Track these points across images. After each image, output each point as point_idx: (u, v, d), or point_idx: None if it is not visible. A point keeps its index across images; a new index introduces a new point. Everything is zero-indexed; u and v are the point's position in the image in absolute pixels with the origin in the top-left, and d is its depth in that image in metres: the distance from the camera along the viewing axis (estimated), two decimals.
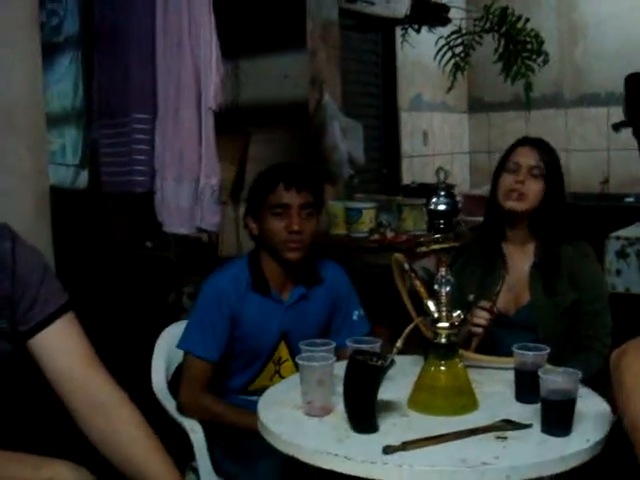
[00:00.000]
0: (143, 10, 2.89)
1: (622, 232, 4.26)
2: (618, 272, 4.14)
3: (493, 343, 2.39)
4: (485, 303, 2.31)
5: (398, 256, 1.99)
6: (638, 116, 3.58)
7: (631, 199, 5.61)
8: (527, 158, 2.49)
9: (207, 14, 2.71)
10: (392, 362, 1.72)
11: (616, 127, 3.69)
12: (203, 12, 2.71)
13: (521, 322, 2.47)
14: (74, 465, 1.45)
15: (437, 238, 1.89)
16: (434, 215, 1.89)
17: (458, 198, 1.92)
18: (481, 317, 2.30)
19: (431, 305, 1.89)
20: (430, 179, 4.66)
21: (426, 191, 1.98)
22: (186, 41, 2.73)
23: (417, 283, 1.92)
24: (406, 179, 5.83)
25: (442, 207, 1.86)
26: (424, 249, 1.90)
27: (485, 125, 6.77)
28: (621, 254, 4.13)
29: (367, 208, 4.27)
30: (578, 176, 6.23)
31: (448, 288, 1.89)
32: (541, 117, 6.40)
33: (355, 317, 2.48)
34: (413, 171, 5.96)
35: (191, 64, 2.73)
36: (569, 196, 5.80)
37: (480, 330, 2.30)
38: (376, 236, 4.10)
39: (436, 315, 1.88)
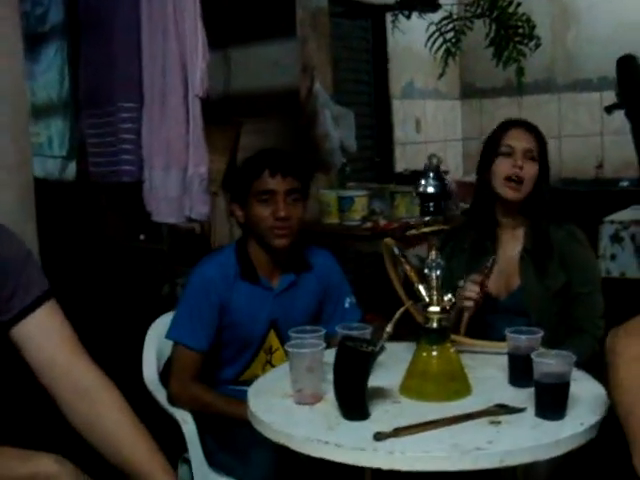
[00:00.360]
0: None
1: (616, 216, 4.25)
2: (613, 257, 4.13)
3: (485, 329, 2.36)
4: (476, 277, 2.27)
5: (388, 241, 1.96)
6: (630, 98, 3.56)
7: (625, 183, 5.59)
8: (521, 141, 2.45)
9: (192, 0, 2.68)
10: (382, 348, 1.69)
11: (609, 109, 3.67)
12: None
13: (513, 306, 2.45)
14: (58, 458, 1.44)
15: (427, 221, 1.86)
16: (424, 198, 1.85)
17: (447, 181, 1.88)
18: (472, 291, 2.26)
19: (422, 289, 1.86)
20: (423, 166, 4.62)
21: (419, 178, 1.95)
22: (171, 28, 2.70)
23: (407, 267, 1.89)
24: (399, 167, 5.80)
25: (431, 190, 1.82)
26: (414, 232, 1.87)
27: (477, 111, 6.74)
28: (615, 238, 4.12)
29: (359, 196, 4.26)
30: (572, 161, 6.22)
31: (439, 272, 1.86)
32: (534, 102, 6.38)
33: (347, 304, 2.45)
34: (406, 159, 5.93)
35: (176, 51, 2.69)
36: (563, 181, 5.84)
37: (471, 304, 2.26)
38: (369, 224, 4.08)
39: (427, 299, 1.85)
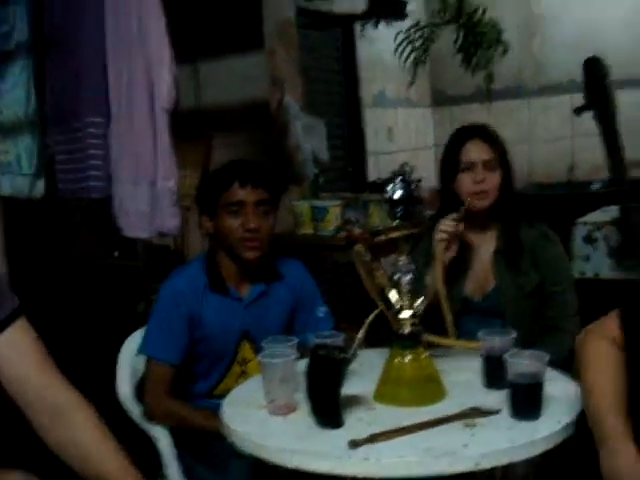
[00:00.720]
0: (92, 12, 2.82)
1: (588, 217, 4.28)
2: (587, 257, 4.16)
3: (461, 331, 2.36)
4: (451, 216, 2.30)
5: (358, 248, 1.95)
6: (598, 99, 3.59)
7: (597, 185, 5.61)
8: (479, 153, 2.45)
9: (157, 12, 2.66)
10: (354, 354, 1.69)
11: (578, 111, 3.69)
12: (153, 11, 2.66)
13: (488, 307, 2.46)
14: (25, 474, 1.42)
15: (396, 226, 1.86)
16: (392, 204, 1.85)
17: (414, 186, 1.89)
18: (447, 225, 2.29)
19: (393, 295, 1.85)
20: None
21: (387, 185, 1.98)
22: (136, 41, 2.67)
23: (378, 274, 1.88)
24: (373, 176, 5.79)
25: (399, 194, 1.83)
26: (383, 237, 1.87)
27: (449, 119, 6.75)
28: (588, 239, 4.14)
29: (333, 206, 4.25)
30: (544, 165, 6.26)
31: (409, 277, 1.85)
32: (504, 108, 6.41)
33: (320, 313, 2.44)
34: (379, 168, 5.93)
35: (142, 64, 2.66)
36: (535, 185, 5.86)
37: (445, 236, 2.28)
38: (343, 233, 4.07)
39: (398, 305, 1.85)
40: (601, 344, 1.59)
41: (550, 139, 6.32)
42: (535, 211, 2.57)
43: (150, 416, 2.30)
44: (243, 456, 1.87)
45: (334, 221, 4.18)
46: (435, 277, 2.12)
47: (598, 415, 1.51)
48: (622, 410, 1.50)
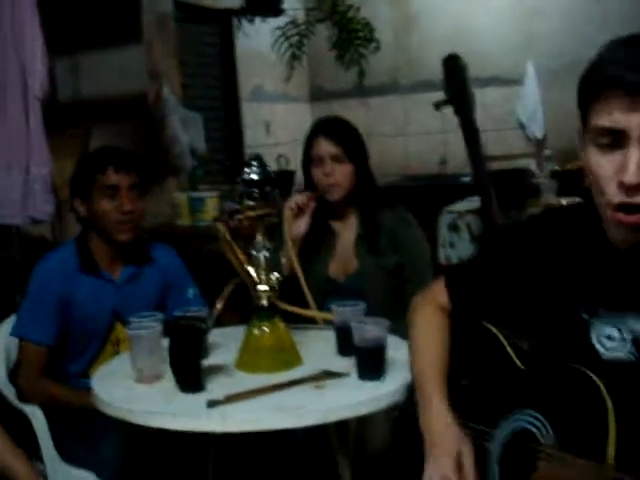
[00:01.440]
0: None
1: (453, 206, 4.52)
2: (452, 244, 4.39)
3: (324, 310, 2.51)
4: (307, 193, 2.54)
5: (220, 227, 2.09)
6: (456, 95, 3.81)
7: (467, 178, 5.86)
8: (326, 147, 2.58)
9: (30, 3, 2.72)
10: (211, 323, 1.82)
11: (437, 106, 3.90)
12: (26, 1, 2.72)
13: (351, 288, 2.59)
14: None
15: (252, 206, 2.01)
16: (249, 185, 2.00)
17: (269, 169, 2.04)
18: (296, 197, 2.50)
19: (251, 270, 2.00)
20: (273, 167, 4.77)
21: (243, 167, 2.15)
22: (8, 31, 2.73)
23: (237, 251, 2.03)
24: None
25: (255, 177, 1.98)
26: (241, 217, 2.02)
27: (327, 113, 6.89)
28: (453, 227, 4.38)
29: (210, 197, 4.36)
30: (417, 159, 6.49)
31: (265, 253, 2.01)
32: (381, 103, 6.64)
33: (190, 295, 2.56)
34: None
35: (14, 53, 2.73)
36: (408, 178, 6.07)
37: (292, 205, 2.47)
38: (219, 224, 4.18)
39: (256, 279, 1.99)
40: (429, 309, 1.75)
41: (423, 133, 6.54)
42: (404, 200, 2.73)
43: (24, 396, 2.36)
44: (115, 432, 1.97)
45: (211, 212, 4.29)
46: (286, 249, 2.28)
47: (420, 376, 1.65)
48: (441, 372, 1.65)
